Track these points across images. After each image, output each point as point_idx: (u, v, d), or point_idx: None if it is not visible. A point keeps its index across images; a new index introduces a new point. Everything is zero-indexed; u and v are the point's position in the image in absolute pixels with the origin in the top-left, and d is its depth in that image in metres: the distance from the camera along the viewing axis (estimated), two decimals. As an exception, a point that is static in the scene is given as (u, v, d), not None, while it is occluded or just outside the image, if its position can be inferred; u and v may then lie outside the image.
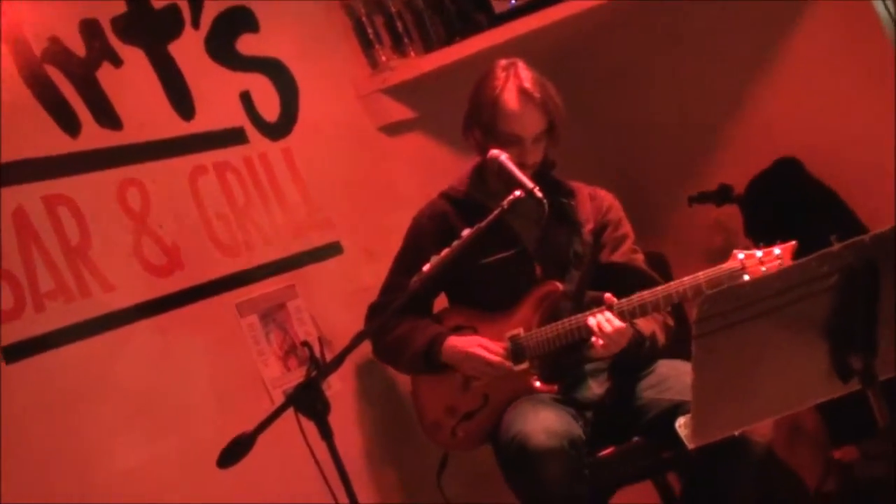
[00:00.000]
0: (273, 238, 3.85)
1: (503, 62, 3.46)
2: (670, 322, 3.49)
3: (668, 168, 4.72)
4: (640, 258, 3.57)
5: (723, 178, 4.45)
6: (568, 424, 3.26)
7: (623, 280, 3.39)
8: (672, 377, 3.35)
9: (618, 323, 3.20)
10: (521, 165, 3.32)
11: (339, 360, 2.93)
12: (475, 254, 3.31)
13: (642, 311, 3.21)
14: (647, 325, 3.35)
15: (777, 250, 3.07)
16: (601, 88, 4.79)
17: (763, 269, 3.06)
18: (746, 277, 3.07)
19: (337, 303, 3.95)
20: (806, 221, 4.06)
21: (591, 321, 3.23)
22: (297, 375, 3.69)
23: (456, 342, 3.47)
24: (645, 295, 3.21)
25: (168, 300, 3.53)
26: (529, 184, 3.15)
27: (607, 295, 3.25)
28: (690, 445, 2.44)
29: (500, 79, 3.42)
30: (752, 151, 4.43)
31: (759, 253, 3.09)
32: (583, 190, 3.63)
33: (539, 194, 3.13)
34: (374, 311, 3.67)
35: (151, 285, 3.50)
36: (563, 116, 3.45)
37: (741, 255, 3.12)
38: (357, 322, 3.68)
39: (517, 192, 3.14)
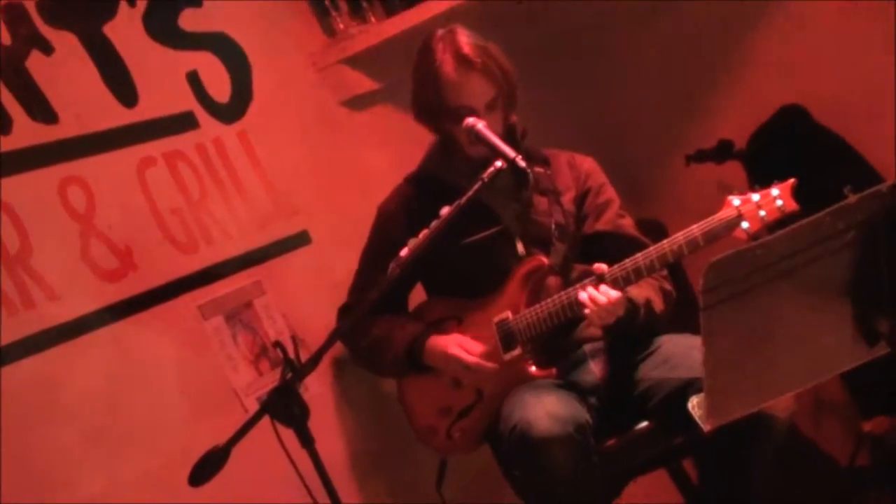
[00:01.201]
0: (234, 231, 3.84)
1: (439, 32, 3.46)
2: (668, 287, 3.49)
3: (661, 126, 4.71)
4: (628, 223, 3.57)
5: (722, 132, 4.45)
6: (573, 408, 3.26)
7: (611, 249, 3.39)
8: (679, 354, 3.35)
9: (612, 293, 3.20)
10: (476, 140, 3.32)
11: (316, 359, 2.92)
12: (454, 234, 3.30)
13: (637, 275, 3.20)
14: (640, 292, 3.35)
15: (775, 191, 3.05)
16: (582, 44, 4.78)
17: (762, 213, 3.04)
18: (745, 225, 3.06)
19: (309, 297, 3.94)
20: (816, 173, 4.04)
21: (583, 295, 3.23)
22: (271, 379, 3.69)
23: (436, 342, 3.48)
24: (637, 258, 3.20)
25: (122, 306, 3.51)
26: (511, 153, 3.15)
27: (597, 265, 3.25)
28: (706, 427, 2.44)
29: (437, 51, 3.41)
30: (753, 101, 4.42)
31: (755, 196, 3.07)
32: (559, 157, 3.63)
33: (522, 164, 3.13)
34: (345, 313, 3.66)
35: (103, 291, 3.48)
36: (513, 79, 3.44)
37: (736, 202, 3.10)
38: (332, 315, 3.68)
39: (498, 163, 3.13)
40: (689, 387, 3.12)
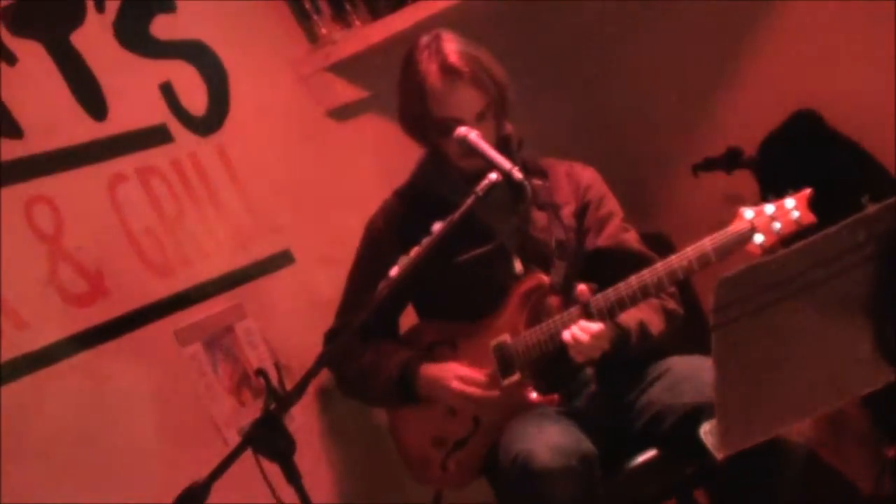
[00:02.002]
0: (212, 251, 3.83)
1: (424, 39, 3.46)
2: (671, 305, 3.48)
3: (666, 134, 4.71)
4: (631, 237, 3.57)
5: (730, 140, 4.45)
6: (576, 439, 3.25)
7: (614, 265, 3.38)
8: (689, 377, 3.34)
9: (593, 327, 3.20)
10: (467, 153, 3.32)
11: (302, 387, 2.90)
12: (447, 252, 3.30)
13: (622, 305, 3.20)
14: (633, 314, 3.34)
15: (790, 201, 3.05)
16: (581, 47, 4.78)
17: (777, 225, 3.04)
18: (759, 238, 3.06)
19: (293, 320, 3.94)
20: (832, 182, 4.05)
21: (565, 334, 3.24)
22: (254, 410, 3.68)
23: (430, 371, 3.47)
24: (643, 275, 3.19)
25: (94, 334, 3.50)
26: (507, 164, 3.14)
27: (581, 287, 3.25)
28: (719, 456, 2.43)
29: (421, 60, 3.41)
30: (763, 107, 4.42)
31: (769, 208, 3.07)
32: (557, 168, 3.63)
33: (518, 175, 3.12)
34: (331, 338, 3.65)
35: (73, 318, 3.47)
36: (504, 87, 3.44)
37: (749, 214, 3.10)
38: (318, 340, 3.67)
39: (492, 176, 3.12)
40: (700, 412, 3.10)
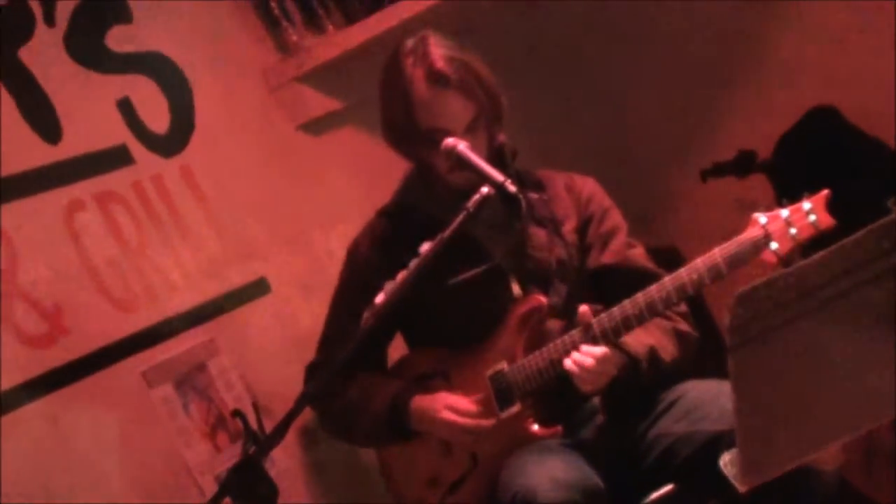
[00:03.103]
0: (180, 283, 3.84)
1: (408, 43, 3.45)
2: (684, 327, 3.47)
3: (671, 139, 4.73)
4: (638, 253, 3.56)
5: (742, 142, 4.46)
6: (581, 472, 3.25)
7: (620, 284, 3.36)
8: (706, 403, 3.33)
9: (597, 351, 3.20)
10: (457, 167, 3.32)
11: (283, 429, 2.89)
12: (437, 275, 3.29)
13: (628, 325, 3.20)
14: (642, 338, 3.34)
15: (806, 204, 3.05)
16: (579, 49, 4.79)
17: (793, 231, 3.04)
18: (774, 246, 3.05)
19: (271, 355, 3.94)
20: (853, 182, 4.06)
21: (567, 362, 3.23)
22: (231, 455, 3.68)
23: (422, 403, 3.46)
24: (650, 292, 3.18)
25: (54, 377, 3.49)
26: (499, 176, 3.13)
27: (582, 309, 3.25)
28: (741, 488, 2.42)
29: (406, 66, 3.40)
30: (776, 106, 4.44)
31: (784, 212, 3.07)
32: (556, 179, 3.62)
33: (512, 188, 3.11)
34: (313, 373, 3.64)
35: (30, 360, 3.47)
36: (497, 94, 3.43)
37: (763, 219, 3.10)
38: (299, 376, 3.66)
39: (484, 190, 3.12)
40: (720, 441, 3.11)
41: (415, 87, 3.36)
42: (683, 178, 4.64)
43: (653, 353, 3.34)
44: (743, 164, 4.44)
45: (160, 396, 3.68)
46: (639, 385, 3.35)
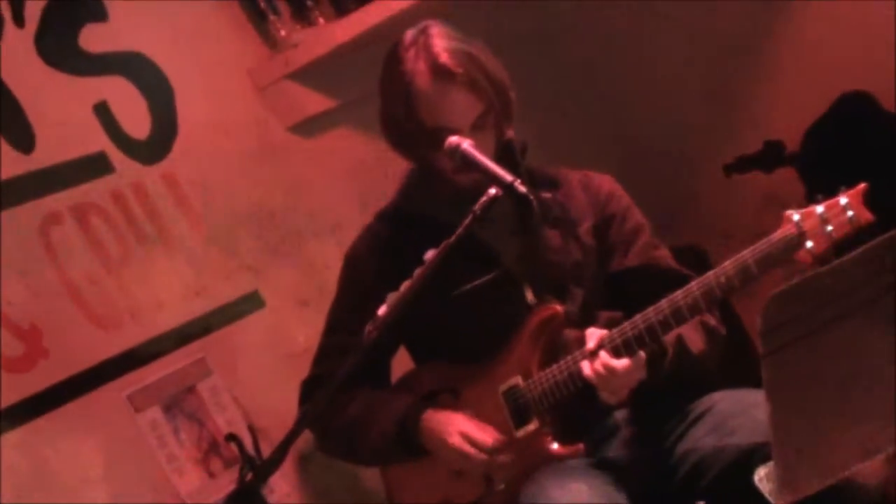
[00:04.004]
0: (166, 299, 3.85)
1: (410, 34, 3.43)
2: (711, 322, 3.45)
3: (692, 133, 4.73)
4: (663, 254, 3.56)
5: (768, 134, 4.46)
6: (607, 494, 3.23)
7: (645, 288, 3.35)
8: (737, 414, 3.32)
9: (615, 363, 3.19)
10: (462, 168, 3.31)
11: (281, 453, 2.89)
12: (444, 283, 3.29)
13: (653, 334, 3.19)
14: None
15: (843, 199, 3.04)
16: (597, 42, 4.80)
17: (828, 228, 3.03)
18: (809, 244, 3.05)
19: (266, 375, 3.94)
20: (890, 172, 4.06)
21: (586, 371, 3.22)
22: (227, 482, 3.68)
23: (432, 422, 3.45)
24: (675, 298, 3.17)
25: (34, 403, 3.51)
26: (508, 176, 3.13)
27: (589, 331, 3.25)
28: (778, 504, 2.42)
29: (408, 59, 3.39)
30: (803, 94, 4.44)
31: (819, 209, 3.07)
32: (570, 178, 3.62)
33: (522, 189, 3.11)
34: (310, 389, 3.63)
35: (9, 385, 3.47)
36: (506, 89, 3.42)
37: (796, 217, 3.09)
38: (297, 396, 3.65)
39: (492, 191, 3.12)
40: (753, 455, 3.10)
41: (417, 82, 3.35)
42: (706, 173, 4.63)
43: (680, 343, 3.31)
44: (769, 158, 4.44)
45: (148, 421, 3.68)
46: (664, 379, 3.34)
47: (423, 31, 3.40)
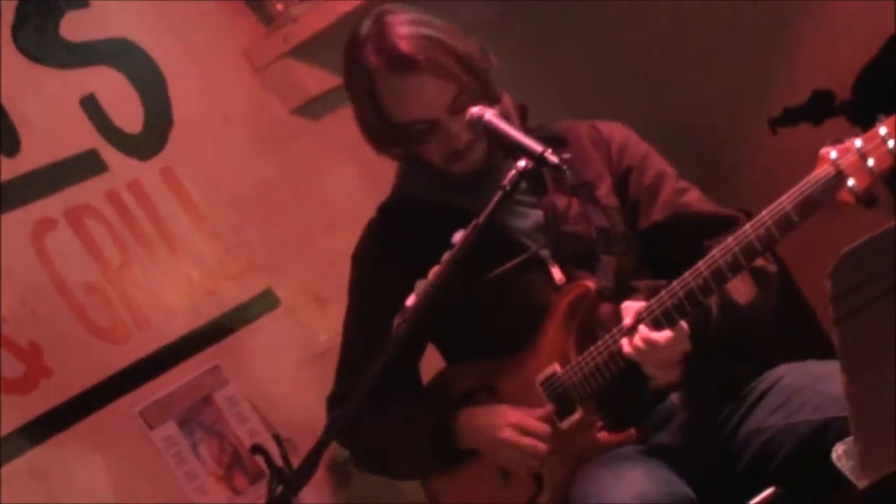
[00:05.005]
0: (174, 304, 3.86)
1: (364, 27, 3.39)
2: (758, 262, 3.37)
3: (734, 86, 4.71)
4: (693, 197, 3.51)
5: (815, 82, 4.45)
6: (667, 482, 3.23)
7: (680, 239, 3.39)
8: (805, 388, 3.31)
9: (655, 336, 3.18)
10: (453, 155, 3.33)
11: (313, 463, 2.89)
12: (470, 271, 3.28)
13: (695, 297, 3.16)
14: None
15: (882, 129, 2.99)
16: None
17: (870, 162, 3.00)
18: (851, 182, 3.02)
19: (287, 379, 3.96)
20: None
21: (626, 348, 3.21)
22: (252, 498, 3.71)
23: (474, 422, 3.45)
24: (713, 257, 3.13)
25: (39, 425, 3.53)
26: (538, 147, 3.12)
27: (625, 305, 3.24)
28: (861, 484, 2.42)
29: (365, 55, 3.38)
30: (851, 35, 4.43)
31: (857, 142, 3.03)
32: (578, 132, 3.58)
33: (554, 159, 3.10)
34: (335, 405, 3.63)
35: (10, 408, 3.49)
36: (475, 65, 3.39)
37: (833, 154, 3.06)
38: (323, 398, 3.64)
39: (521, 163, 3.11)
40: (827, 431, 3.09)
41: (379, 79, 3.34)
42: (750, 130, 4.62)
43: (725, 300, 3.30)
44: (818, 108, 4.42)
45: (163, 438, 3.70)
46: (715, 341, 3.33)
47: (378, 21, 3.37)
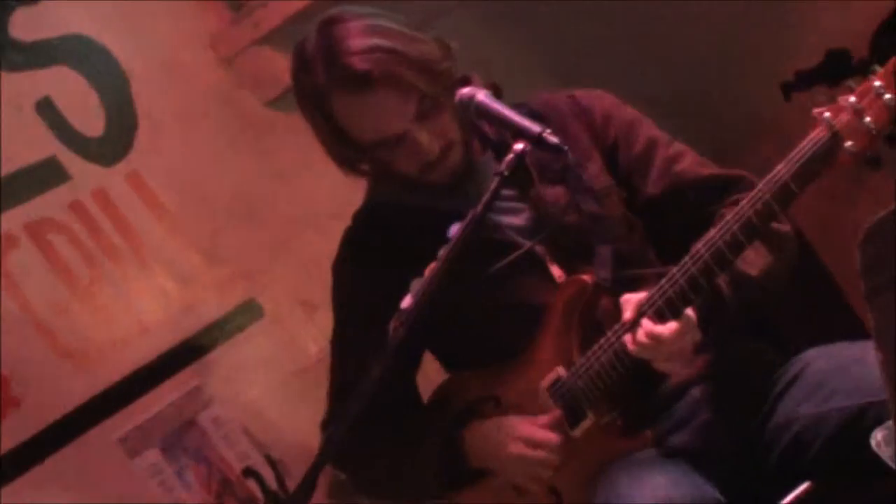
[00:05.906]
0: (150, 320, 3.86)
1: (311, 43, 3.37)
2: (773, 226, 3.37)
3: (742, 49, 4.72)
4: (689, 163, 3.49)
5: (830, 42, 4.46)
6: (692, 485, 3.22)
7: (682, 214, 3.40)
8: (836, 373, 3.31)
9: (659, 329, 3.17)
10: (427, 166, 3.32)
11: (309, 485, 2.89)
12: (468, 270, 3.27)
13: (698, 283, 3.16)
14: None
15: (876, 82, 2.97)
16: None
17: (866, 120, 3.00)
18: (848, 143, 3.01)
19: (276, 394, 3.95)
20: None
21: (630, 345, 3.21)
22: (247, 524, 3.69)
23: (479, 437, 3.45)
24: (712, 238, 3.12)
25: (10, 462, 3.52)
26: (535, 127, 3.11)
27: (623, 298, 3.24)
28: (902, 470, 2.43)
29: (317, 76, 3.37)
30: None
31: (851, 98, 3.02)
32: (557, 105, 3.53)
33: (553, 139, 3.10)
34: (330, 426, 3.63)
35: (-23, 445, 3.48)
36: (432, 63, 3.38)
37: (827, 114, 3.04)
38: (317, 414, 3.65)
39: (518, 146, 3.11)
40: (863, 417, 3.09)
41: (335, 101, 3.33)
42: (761, 97, 4.62)
43: (734, 275, 3.25)
44: (834, 69, 4.42)
45: (146, 466, 3.70)
46: (730, 321, 3.32)
47: (325, 34, 3.34)
